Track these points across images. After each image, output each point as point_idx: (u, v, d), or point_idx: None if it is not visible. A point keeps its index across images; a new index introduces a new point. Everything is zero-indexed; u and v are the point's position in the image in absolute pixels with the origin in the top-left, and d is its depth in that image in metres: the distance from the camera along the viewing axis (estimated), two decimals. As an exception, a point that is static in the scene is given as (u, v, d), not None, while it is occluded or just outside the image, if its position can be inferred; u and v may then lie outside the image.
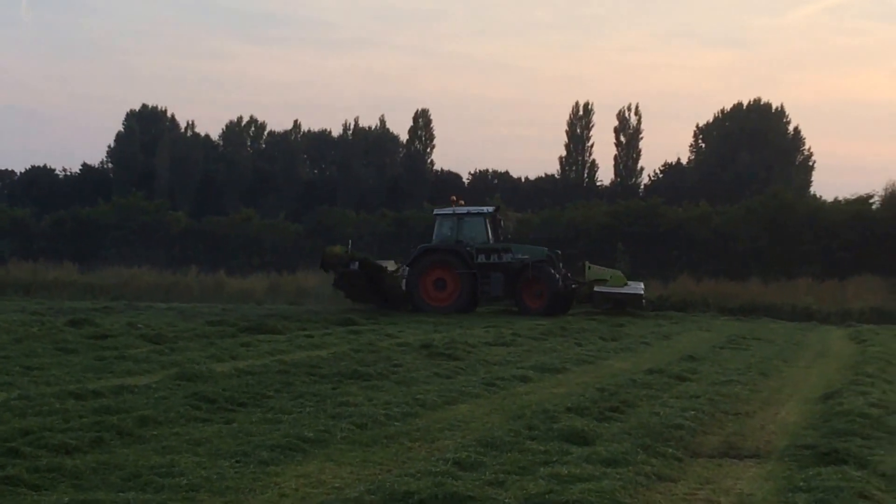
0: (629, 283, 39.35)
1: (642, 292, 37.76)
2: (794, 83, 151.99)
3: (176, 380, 16.33)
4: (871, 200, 62.28)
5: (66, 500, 8.69)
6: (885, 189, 63.10)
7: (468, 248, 38.61)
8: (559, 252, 39.57)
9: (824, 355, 25.29)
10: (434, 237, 40.02)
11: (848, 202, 62.36)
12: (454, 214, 39.94)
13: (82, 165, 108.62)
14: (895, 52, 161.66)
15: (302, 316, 32.62)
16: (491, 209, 40.54)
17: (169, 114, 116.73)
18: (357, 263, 38.16)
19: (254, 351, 22.22)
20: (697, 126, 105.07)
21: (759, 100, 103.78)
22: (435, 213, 41.62)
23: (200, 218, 74.71)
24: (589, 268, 38.72)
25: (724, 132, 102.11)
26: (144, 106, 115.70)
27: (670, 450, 11.76)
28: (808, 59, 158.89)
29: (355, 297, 39.76)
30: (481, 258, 38.45)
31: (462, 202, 41.55)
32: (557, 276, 37.81)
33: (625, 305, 38.15)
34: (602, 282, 38.55)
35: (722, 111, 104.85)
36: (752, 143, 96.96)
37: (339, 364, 19.03)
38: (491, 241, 39.02)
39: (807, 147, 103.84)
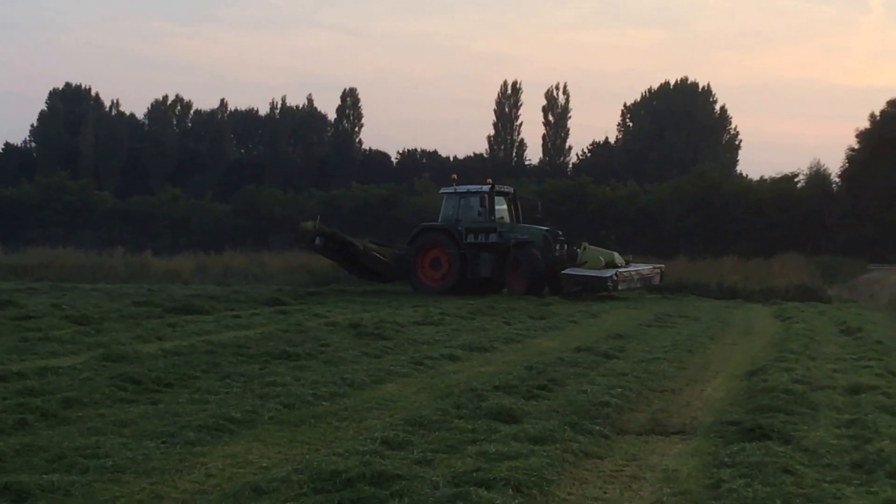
0: (631, 264, 38.88)
1: (609, 275, 36.24)
2: (721, 62, 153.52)
3: (101, 361, 16.17)
4: (797, 179, 63.01)
5: (-10, 482, 8.58)
6: (810, 168, 63.90)
7: (460, 228, 38.19)
8: (559, 232, 38.68)
9: (750, 332, 25.50)
10: (440, 217, 39.55)
11: (773, 181, 63.06)
12: (455, 193, 39.38)
13: (5, 145, 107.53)
14: (821, 31, 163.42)
15: (230, 296, 32.44)
16: (486, 188, 39.25)
17: (93, 92, 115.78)
18: (319, 239, 38.32)
19: (180, 331, 22.07)
20: (625, 105, 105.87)
21: (686, 79, 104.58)
22: (441, 192, 41.01)
23: (126, 198, 74.24)
24: (584, 248, 37.89)
25: (652, 111, 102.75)
26: (68, 84, 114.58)
27: (597, 427, 11.81)
28: (734, 38, 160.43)
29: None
30: (470, 238, 37.97)
31: (455, 178, 41.75)
32: (540, 256, 36.95)
33: (592, 289, 37.13)
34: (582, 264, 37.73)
35: (649, 90, 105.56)
36: (680, 123, 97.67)
37: (267, 344, 18.93)
38: (497, 221, 38.33)
39: (733, 126, 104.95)
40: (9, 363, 16.08)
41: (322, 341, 19.85)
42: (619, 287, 36.42)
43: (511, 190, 41.06)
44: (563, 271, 36.72)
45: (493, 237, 37.81)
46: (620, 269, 36.88)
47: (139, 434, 10.84)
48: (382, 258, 39.46)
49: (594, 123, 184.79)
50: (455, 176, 42.64)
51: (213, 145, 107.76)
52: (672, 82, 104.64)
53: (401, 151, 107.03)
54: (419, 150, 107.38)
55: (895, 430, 11.28)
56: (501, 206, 39.30)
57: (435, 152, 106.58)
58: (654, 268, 39.71)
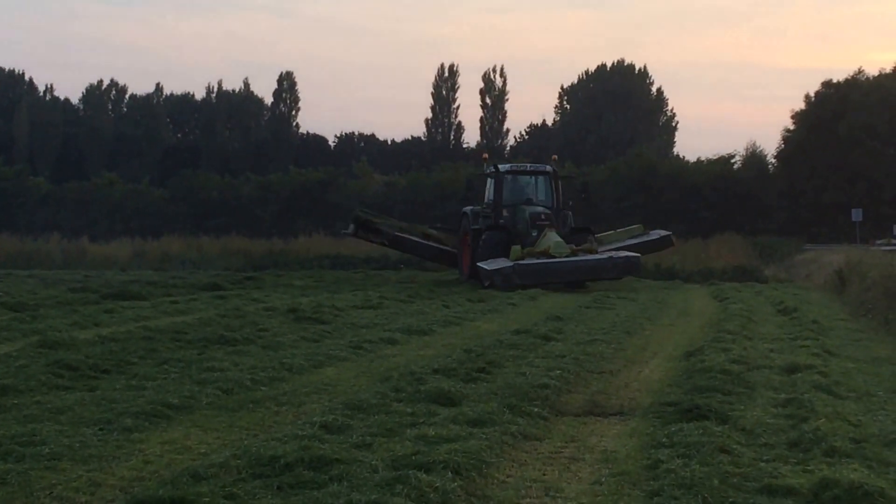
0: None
1: (495, 268, 33.60)
2: (657, 44, 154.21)
3: (37, 347, 16.04)
4: (733, 160, 63.54)
5: (-76, 471, 8.50)
6: (746, 149, 64.45)
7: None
8: (542, 216, 35.92)
9: (687, 314, 25.69)
10: (486, 198, 37.46)
11: (710, 162, 63.58)
12: (484, 175, 38.36)
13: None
14: (756, 13, 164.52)
15: (167, 282, 32.29)
16: (491, 168, 37.56)
17: (27, 77, 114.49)
18: (352, 227, 39.27)
19: (117, 317, 21.95)
20: (562, 87, 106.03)
21: (623, 61, 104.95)
22: (489, 170, 38.37)
23: (62, 183, 73.55)
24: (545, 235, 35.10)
25: (589, 93, 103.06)
26: (0, 69, 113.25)
27: (536, 409, 11.85)
28: (669, 20, 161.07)
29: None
30: (478, 222, 36.38)
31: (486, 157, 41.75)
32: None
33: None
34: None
35: (586, 72, 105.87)
36: (617, 105, 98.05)
37: (205, 329, 18.84)
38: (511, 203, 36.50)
39: (670, 108, 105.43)
40: (-57, 351, 15.94)
41: (260, 326, 19.79)
42: (517, 282, 32.40)
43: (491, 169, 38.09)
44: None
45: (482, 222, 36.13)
46: (522, 262, 33.44)
47: (76, 421, 10.76)
48: (437, 245, 39.86)
49: (532, 106, 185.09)
50: (485, 155, 43.15)
51: (148, 130, 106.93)
52: (609, 64, 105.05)
53: (338, 135, 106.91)
54: (357, 133, 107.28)
55: (831, 409, 11.38)
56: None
57: (373, 136, 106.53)
58: (612, 257, 34.81)
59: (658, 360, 16.79)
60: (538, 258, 33.48)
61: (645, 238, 40.10)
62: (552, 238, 34.22)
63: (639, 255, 35.86)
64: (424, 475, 8.61)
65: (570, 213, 37.09)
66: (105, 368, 14.35)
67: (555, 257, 33.62)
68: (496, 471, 9.34)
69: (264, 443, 9.76)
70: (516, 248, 34.15)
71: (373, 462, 9.08)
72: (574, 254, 34.17)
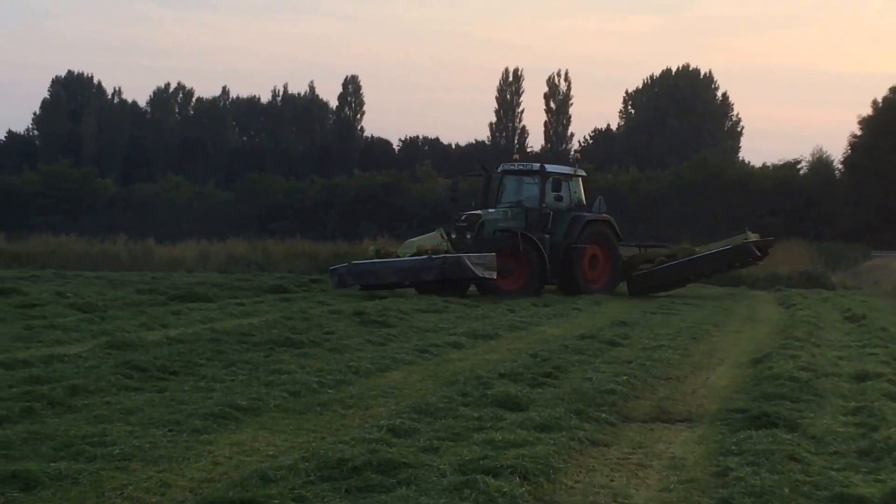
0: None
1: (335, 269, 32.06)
2: (723, 48, 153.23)
3: (106, 349, 16.16)
4: (799, 166, 63.04)
5: (-3, 470, 8.59)
6: (813, 154, 63.92)
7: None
8: (461, 215, 34.12)
9: (753, 320, 25.52)
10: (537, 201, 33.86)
11: (776, 168, 63.09)
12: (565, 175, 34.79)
13: (7, 133, 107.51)
14: (822, 17, 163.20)
15: (233, 284, 32.44)
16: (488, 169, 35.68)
17: (95, 80, 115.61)
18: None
19: (184, 319, 22.08)
20: (627, 92, 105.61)
21: (688, 66, 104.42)
22: (554, 169, 35.39)
23: (128, 185, 74.24)
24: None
25: (654, 98, 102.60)
26: (70, 72, 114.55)
27: (603, 415, 11.82)
28: (736, 24, 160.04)
29: None
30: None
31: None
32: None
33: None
34: None
35: (651, 77, 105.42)
36: (681, 109, 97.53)
37: (271, 332, 18.89)
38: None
39: (735, 113, 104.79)
40: (14, 351, 16.11)
41: (326, 329, 19.85)
42: (350, 282, 31.09)
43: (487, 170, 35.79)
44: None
45: None
46: (355, 262, 31.95)
47: (145, 422, 10.84)
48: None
49: (596, 110, 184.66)
50: (517, 156, 40.37)
51: (215, 133, 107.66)
52: (674, 69, 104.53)
53: (402, 139, 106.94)
54: (421, 137, 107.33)
55: (902, 418, 11.28)
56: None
57: (437, 139, 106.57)
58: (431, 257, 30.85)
59: (725, 367, 16.69)
60: (377, 259, 32.15)
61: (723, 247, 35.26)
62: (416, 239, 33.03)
63: (461, 256, 30.50)
64: (492, 480, 8.61)
65: (551, 213, 33.42)
66: (173, 370, 14.43)
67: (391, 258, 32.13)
68: (564, 476, 9.32)
69: (332, 445, 9.79)
70: (371, 250, 33.77)
71: (440, 466, 9.09)
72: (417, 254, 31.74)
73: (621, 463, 10.01)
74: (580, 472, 9.58)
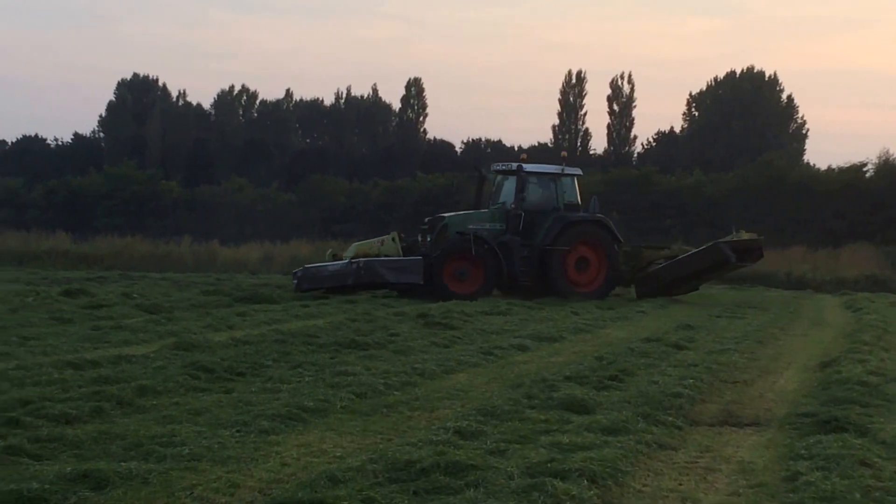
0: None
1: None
2: (788, 50, 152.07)
3: (173, 349, 16.29)
4: (865, 169, 62.38)
5: (69, 469, 8.65)
6: (879, 157, 63.23)
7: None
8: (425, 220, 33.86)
9: (820, 323, 25.32)
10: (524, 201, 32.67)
11: (841, 170, 62.47)
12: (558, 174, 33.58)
13: (74, 135, 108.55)
14: (889, 19, 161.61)
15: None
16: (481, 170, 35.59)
17: (160, 83, 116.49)
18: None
19: (250, 321, 22.23)
20: (690, 94, 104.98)
21: (753, 67, 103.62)
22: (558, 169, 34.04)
23: (193, 187, 74.66)
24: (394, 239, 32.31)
25: (718, 100, 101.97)
26: (136, 75, 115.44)
27: (670, 418, 11.77)
28: (801, 25, 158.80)
29: None
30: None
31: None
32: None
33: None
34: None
35: (715, 79, 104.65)
36: (746, 112, 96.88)
37: (337, 333, 19.00)
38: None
39: (800, 115, 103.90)
40: (83, 351, 16.30)
41: (391, 331, 19.91)
42: (305, 286, 30.56)
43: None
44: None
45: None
46: (308, 266, 32.05)
47: (214, 423, 10.91)
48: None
49: (659, 113, 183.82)
50: (525, 155, 39.11)
51: (278, 135, 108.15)
52: (738, 71, 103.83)
53: (465, 141, 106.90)
54: (483, 139, 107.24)
55: (974, 423, 11.15)
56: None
57: (499, 142, 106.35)
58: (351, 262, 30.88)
59: (792, 371, 16.58)
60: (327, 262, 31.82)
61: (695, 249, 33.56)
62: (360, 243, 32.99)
63: (372, 261, 30.63)
64: (560, 483, 8.60)
65: (522, 215, 31.99)
66: (240, 371, 14.53)
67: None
68: (632, 480, 9.29)
69: (399, 447, 9.82)
70: (328, 253, 33.21)
71: (508, 469, 9.08)
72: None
73: (689, 467, 9.96)
74: (648, 475, 9.54)
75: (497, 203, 33.00)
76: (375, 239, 32.81)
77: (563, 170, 33.17)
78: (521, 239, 31.49)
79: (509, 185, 32.92)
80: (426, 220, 33.13)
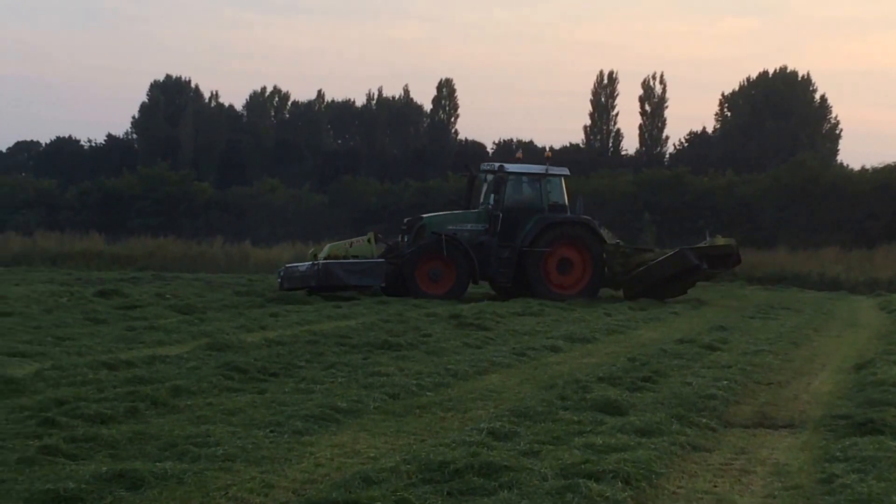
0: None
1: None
2: (821, 50, 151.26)
3: (207, 350, 16.36)
4: (899, 169, 61.99)
5: (104, 469, 8.70)
6: (914, 158, 62.78)
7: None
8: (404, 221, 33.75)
9: (854, 325, 25.19)
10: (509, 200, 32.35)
11: (875, 171, 62.16)
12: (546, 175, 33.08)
13: (107, 136, 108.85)
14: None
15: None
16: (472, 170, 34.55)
17: (193, 84, 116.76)
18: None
19: (283, 321, 22.30)
20: (723, 95, 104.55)
21: (786, 68, 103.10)
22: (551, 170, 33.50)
23: (225, 188, 74.85)
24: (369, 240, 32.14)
25: (750, 101, 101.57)
26: (169, 77, 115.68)
27: (704, 420, 11.76)
28: (834, 25, 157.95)
29: None
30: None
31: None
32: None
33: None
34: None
35: (747, 79, 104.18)
36: (778, 112, 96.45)
37: (369, 334, 19.04)
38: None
39: (833, 115, 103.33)
40: (117, 352, 16.39)
41: (423, 331, 19.91)
42: (285, 286, 30.28)
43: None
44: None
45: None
46: (289, 265, 31.89)
47: (247, 423, 10.95)
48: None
49: (691, 113, 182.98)
50: (520, 153, 37.35)
51: (309, 136, 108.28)
52: (770, 71, 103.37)
53: (496, 141, 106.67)
54: (515, 139, 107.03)
55: None
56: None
57: (531, 142, 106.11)
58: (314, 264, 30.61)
59: (827, 373, 16.50)
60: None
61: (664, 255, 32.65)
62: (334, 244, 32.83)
63: (330, 263, 30.34)
64: (594, 484, 8.61)
65: (500, 216, 31.56)
66: (273, 371, 14.57)
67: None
68: (666, 481, 9.28)
69: (433, 448, 9.83)
70: (310, 252, 32.99)
71: (542, 470, 9.09)
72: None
73: (724, 469, 9.94)
74: (682, 477, 9.53)
75: (483, 204, 32.72)
76: (347, 240, 32.92)
77: (547, 170, 32.80)
78: (501, 240, 31.30)
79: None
80: (406, 220, 33.18)
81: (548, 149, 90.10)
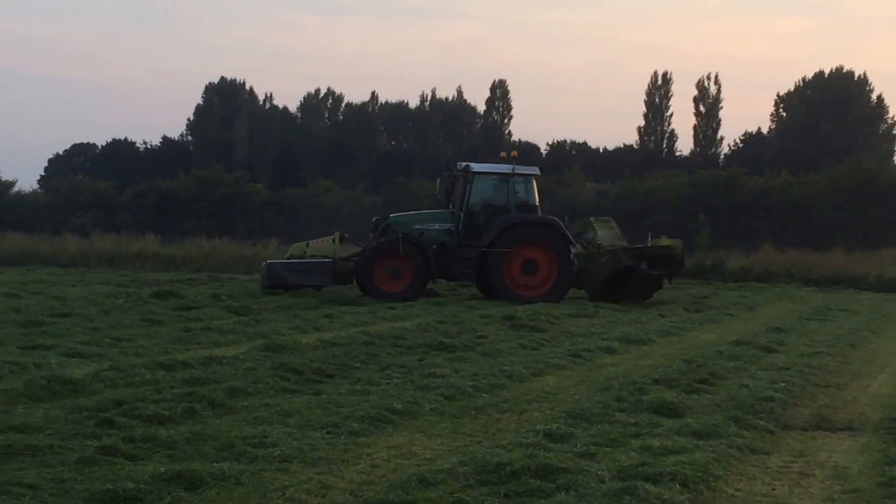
0: None
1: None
2: (877, 50, 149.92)
3: (263, 351, 16.41)
4: (958, 170, 61.44)
5: (163, 469, 8.74)
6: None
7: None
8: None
9: (913, 327, 24.98)
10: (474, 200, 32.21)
11: (933, 171, 61.61)
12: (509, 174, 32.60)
13: (162, 138, 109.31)
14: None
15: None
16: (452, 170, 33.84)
17: (247, 86, 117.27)
18: None
19: (337, 322, 22.34)
20: (778, 95, 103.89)
21: (842, 67, 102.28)
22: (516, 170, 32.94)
23: (279, 190, 75.13)
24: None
25: (806, 101, 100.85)
26: (223, 79, 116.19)
27: (762, 422, 11.69)
28: (890, 24, 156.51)
29: None
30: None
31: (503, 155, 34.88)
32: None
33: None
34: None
35: (803, 79, 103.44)
36: (834, 112, 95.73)
37: (424, 335, 19.06)
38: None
39: (890, 115, 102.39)
40: (174, 352, 16.46)
41: (478, 333, 19.92)
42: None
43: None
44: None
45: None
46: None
47: (304, 424, 10.96)
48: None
49: (746, 114, 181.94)
50: (505, 153, 35.56)
51: (363, 137, 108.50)
52: (826, 71, 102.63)
53: (550, 143, 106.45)
54: (568, 141, 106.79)
55: None
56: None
57: (584, 143, 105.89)
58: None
59: (886, 375, 16.37)
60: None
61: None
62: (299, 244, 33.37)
63: (273, 263, 31.38)
64: (652, 487, 8.56)
65: (460, 215, 31.56)
66: (329, 372, 14.60)
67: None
68: (724, 484, 9.22)
69: (489, 450, 9.82)
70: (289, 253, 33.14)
71: (598, 472, 9.06)
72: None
73: (783, 471, 9.87)
74: (741, 480, 9.47)
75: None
76: (309, 241, 33.34)
77: (513, 170, 32.35)
78: (468, 240, 31.14)
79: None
80: (374, 219, 33.36)
81: (600, 150, 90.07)
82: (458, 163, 34.23)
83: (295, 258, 31.53)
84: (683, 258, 32.59)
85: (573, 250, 31.59)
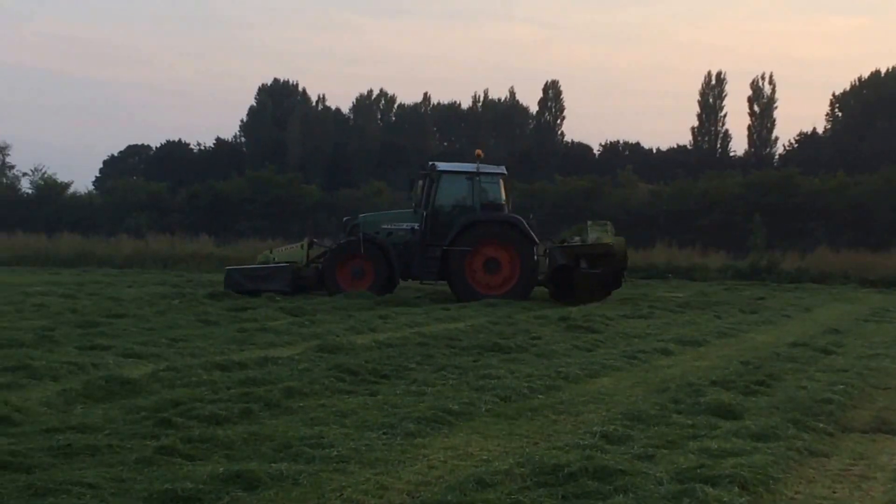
0: None
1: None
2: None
3: (318, 352, 16.46)
4: None
5: (221, 469, 8.76)
6: None
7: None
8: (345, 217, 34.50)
9: (974, 328, 24.69)
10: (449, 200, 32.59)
11: None
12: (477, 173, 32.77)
13: (216, 140, 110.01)
14: None
15: (437, 289, 32.65)
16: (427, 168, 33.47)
17: (300, 88, 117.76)
18: None
19: (392, 323, 22.36)
20: (834, 94, 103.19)
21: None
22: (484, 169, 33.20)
23: (332, 191, 75.37)
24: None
25: (862, 100, 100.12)
26: (276, 80, 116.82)
27: (821, 424, 11.59)
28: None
29: None
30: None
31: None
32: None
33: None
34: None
35: (859, 79, 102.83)
36: (891, 111, 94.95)
37: (478, 336, 19.06)
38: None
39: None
40: (230, 353, 16.54)
41: (533, 334, 19.90)
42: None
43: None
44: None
45: None
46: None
47: (360, 425, 10.97)
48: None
49: (801, 113, 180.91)
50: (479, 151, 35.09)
51: (415, 138, 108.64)
52: (883, 70, 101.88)
53: (603, 143, 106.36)
54: (621, 141, 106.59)
55: None
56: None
57: (637, 144, 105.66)
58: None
59: (946, 377, 16.17)
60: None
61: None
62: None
63: (230, 269, 31.77)
64: (711, 489, 8.49)
65: (423, 214, 31.68)
66: (384, 373, 14.60)
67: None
68: (784, 487, 9.13)
69: (546, 451, 9.78)
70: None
71: (657, 474, 9.00)
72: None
73: (843, 474, 9.77)
74: (800, 482, 9.38)
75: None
76: (286, 245, 33.71)
77: (478, 168, 32.42)
78: (433, 238, 31.25)
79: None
80: (344, 219, 33.52)
81: (654, 150, 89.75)
82: (429, 162, 34.29)
83: (263, 264, 31.80)
84: (626, 256, 32.10)
85: (536, 249, 31.54)
